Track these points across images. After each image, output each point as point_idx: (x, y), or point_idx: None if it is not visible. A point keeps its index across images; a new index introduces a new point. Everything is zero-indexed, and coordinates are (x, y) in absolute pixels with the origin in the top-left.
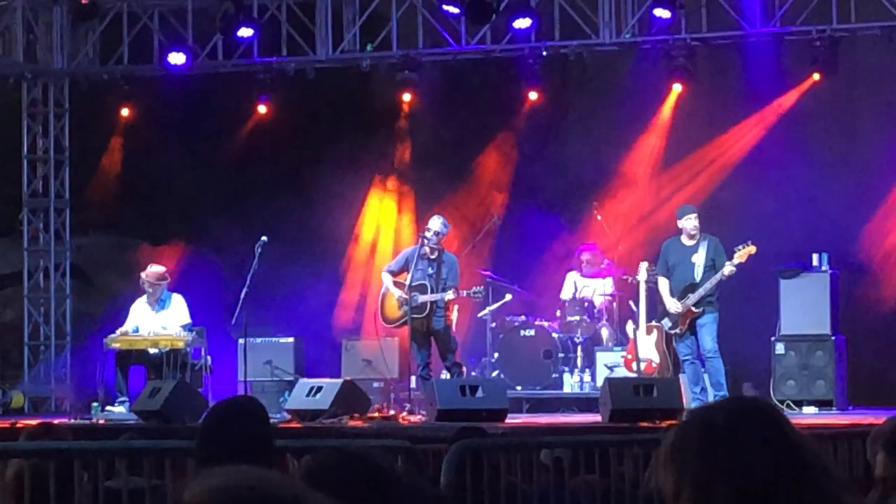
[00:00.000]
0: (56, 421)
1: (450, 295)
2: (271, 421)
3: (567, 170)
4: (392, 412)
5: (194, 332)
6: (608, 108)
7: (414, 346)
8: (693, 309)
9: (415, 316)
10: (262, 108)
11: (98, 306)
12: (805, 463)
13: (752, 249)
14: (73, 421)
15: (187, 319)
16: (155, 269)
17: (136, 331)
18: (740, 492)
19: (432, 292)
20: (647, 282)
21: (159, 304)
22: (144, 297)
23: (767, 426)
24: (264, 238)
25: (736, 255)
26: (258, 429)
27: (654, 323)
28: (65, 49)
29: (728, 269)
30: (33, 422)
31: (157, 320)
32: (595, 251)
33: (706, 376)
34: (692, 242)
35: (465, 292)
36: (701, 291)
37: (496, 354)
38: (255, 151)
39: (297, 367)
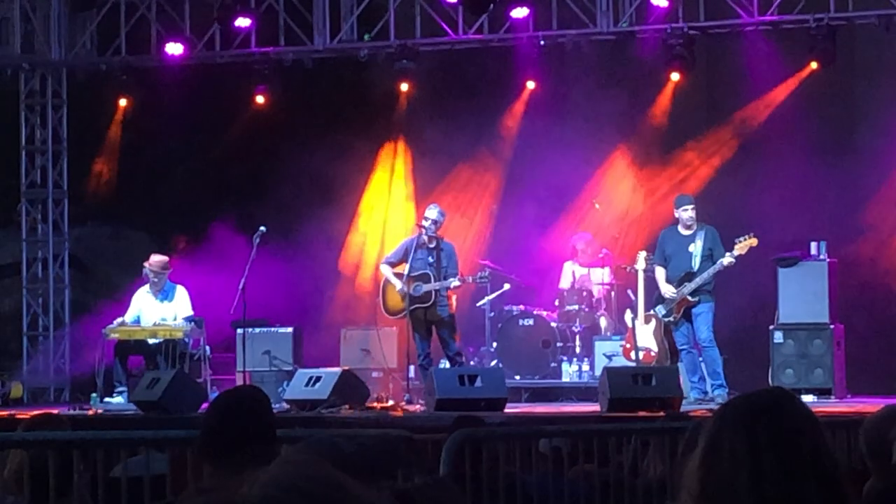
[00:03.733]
0: (55, 411)
1: (455, 282)
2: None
3: (565, 159)
4: (391, 402)
5: (193, 323)
6: (606, 97)
7: (416, 336)
8: (689, 298)
9: (418, 306)
10: (259, 99)
11: (96, 297)
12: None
13: (753, 242)
14: (72, 411)
15: (190, 312)
16: (158, 258)
17: (137, 320)
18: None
19: (434, 281)
20: (645, 271)
21: (163, 293)
22: (147, 287)
23: (758, 422)
24: (262, 228)
25: (736, 247)
26: (263, 419)
27: (651, 312)
28: (62, 40)
29: (727, 259)
30: (33, 412)
31: (161, 310)
32: (589, 239)
33: (704, 365)
34: (689, 232)
35: (470, 278)
36: (698, 280)
37: (495, 344)
38: (253, 141)
39: (296, 357)
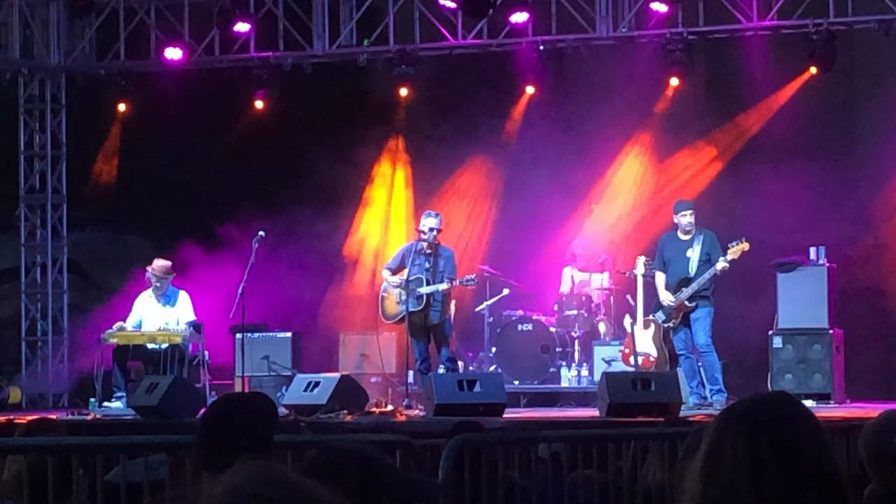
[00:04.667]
0: (53, 416)
1: (444, 285)
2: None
3: (564, 164)
4: (390, 407)
5: (191, 328)
6: (605, 102)
7: (412, 340)
8: (686, 303)
9: (413, 310)
10: (258, 103)
11: (95, 302)
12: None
13: (745, 246)
14: (70, 416)
15: (193, 316)
16: (161, 262)
17: (139, 325)
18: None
19: (428, 286)
20: (644, 276)
21: (165, 298)
22: (149, 291)
23: (753, 432)
24: (261, 232)
25: (729, 252)
26: (260, 424)
27: (650, 317)
28: (61, 45)
29: (721, 264)
30: (30, 417)
31: (164, 314)
32: (588, 245)
33: (702, 370)
34: (687, 237)
35: (457, 281)
36: (694, 286)
37: (494, 349)
38: (252, 146)
39: (295, 362)
